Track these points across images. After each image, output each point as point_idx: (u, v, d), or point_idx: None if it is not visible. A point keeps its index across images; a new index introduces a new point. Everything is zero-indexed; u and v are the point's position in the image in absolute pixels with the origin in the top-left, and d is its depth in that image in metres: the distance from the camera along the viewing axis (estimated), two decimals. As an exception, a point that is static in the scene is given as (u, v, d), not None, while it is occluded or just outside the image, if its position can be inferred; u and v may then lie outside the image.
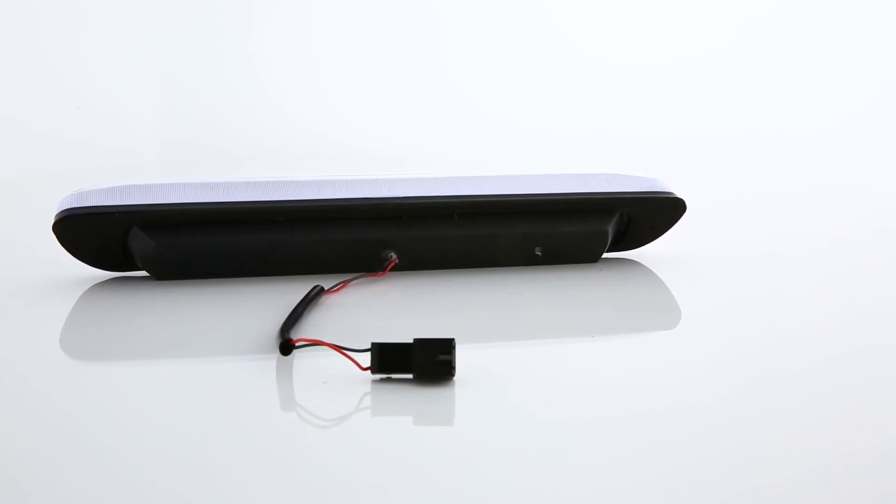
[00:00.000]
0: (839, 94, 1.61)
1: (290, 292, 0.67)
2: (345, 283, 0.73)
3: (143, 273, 0.77)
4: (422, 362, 0.52)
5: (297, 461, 0.44)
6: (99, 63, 1.75)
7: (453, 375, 0.52)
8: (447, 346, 0.52)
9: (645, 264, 0.83)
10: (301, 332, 0.60)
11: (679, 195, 0.80)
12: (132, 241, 0.75)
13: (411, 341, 0.52)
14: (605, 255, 0.81)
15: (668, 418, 0.53)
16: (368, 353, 0.52)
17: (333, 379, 0.52)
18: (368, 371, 0.52)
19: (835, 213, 1.22)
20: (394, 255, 0.76)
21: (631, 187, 0.80)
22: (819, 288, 0.81)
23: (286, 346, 0.54)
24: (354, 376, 0.52)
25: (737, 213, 1.18)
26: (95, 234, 0.75)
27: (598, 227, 0.79)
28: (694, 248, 0.89)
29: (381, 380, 0.53)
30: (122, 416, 0.49)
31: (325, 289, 0.71)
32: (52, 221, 0.74)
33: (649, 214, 0.81)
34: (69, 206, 0.75)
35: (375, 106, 1.77)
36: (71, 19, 1.73)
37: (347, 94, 1.80)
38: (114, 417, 0.49)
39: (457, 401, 0.52)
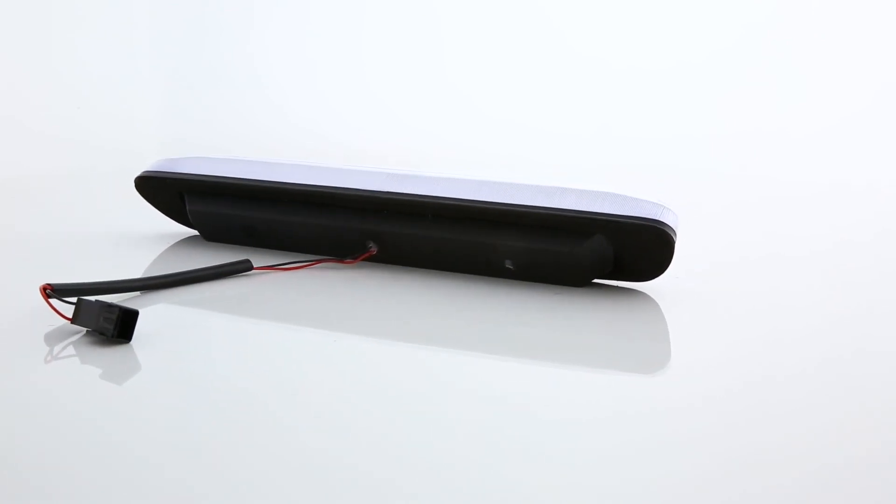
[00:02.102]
0: (840, 92, 1.61)
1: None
2: (297, 266, 0.80)
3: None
4: (95, 320, 0.60)
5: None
6: (99, 63, 1.74)
7: (124, 341, 0.60)
8: (114, 310, 0.59)
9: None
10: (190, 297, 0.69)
11: (668, 226, 0.71)
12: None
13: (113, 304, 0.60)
14: (607, 282, 0.77)
15: (666, 421, 0.52)
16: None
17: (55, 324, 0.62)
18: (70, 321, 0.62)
19: (837, 214, 1.21)
20: (373, 246, 0.80)
21: (609, 209, 0.72)
22: (824, 291, 0.80)
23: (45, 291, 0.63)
24: (64, 326, 0.62)
25: (738, 215, 1.18)
26: (163, 194, 0.89)
27: (567, 248, 0.73)
28: (695, 251, 0.88)
29: (87, 333, 0.62)
30: None
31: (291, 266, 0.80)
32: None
33: (627, 243, 0.73)
34: (147, 168, 0.89)
35: (376, 106, 1.76)
36: (71, 19, 1.73)
37: (348, 94, 1.80)
38: None
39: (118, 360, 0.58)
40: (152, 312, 0.69)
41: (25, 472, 0.44)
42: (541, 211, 0.72)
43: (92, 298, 0.62)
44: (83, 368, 0.59)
